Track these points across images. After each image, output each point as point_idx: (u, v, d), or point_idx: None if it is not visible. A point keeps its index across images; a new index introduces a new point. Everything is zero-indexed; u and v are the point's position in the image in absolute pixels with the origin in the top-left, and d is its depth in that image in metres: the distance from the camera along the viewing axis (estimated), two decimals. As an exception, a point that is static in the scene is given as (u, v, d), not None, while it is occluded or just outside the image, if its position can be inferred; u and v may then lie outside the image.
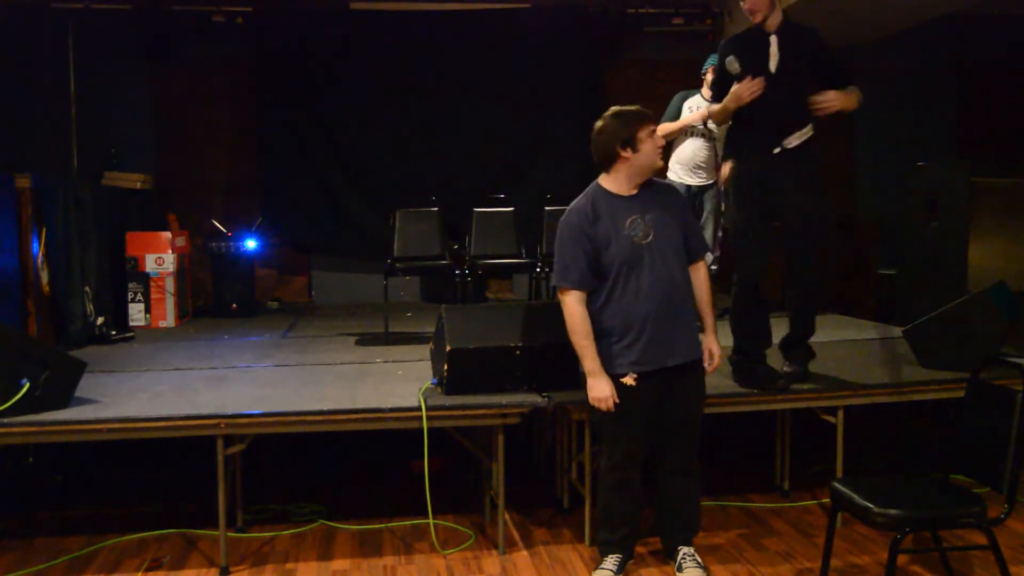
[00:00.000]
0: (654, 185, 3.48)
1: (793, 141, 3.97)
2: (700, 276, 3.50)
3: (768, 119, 3.95)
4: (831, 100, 3.91)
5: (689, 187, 6.16)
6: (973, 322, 4.21)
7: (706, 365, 3.48)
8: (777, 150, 3.97)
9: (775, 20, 3.95)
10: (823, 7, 7.24)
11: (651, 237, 3.33)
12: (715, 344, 3.50)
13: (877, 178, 8.86)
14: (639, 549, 3.69)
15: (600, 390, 3.34)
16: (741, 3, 4.00)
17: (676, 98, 6.16)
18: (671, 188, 3.66)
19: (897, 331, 4.96)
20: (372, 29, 8.06)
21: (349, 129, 8.08)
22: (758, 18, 3.94)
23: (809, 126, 4.00)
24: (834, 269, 4.34)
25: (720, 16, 8.30)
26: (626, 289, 3.31)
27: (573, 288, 3.34)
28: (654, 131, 3.39)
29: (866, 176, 9.01)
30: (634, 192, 3.40)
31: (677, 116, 6.13)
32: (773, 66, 3.93)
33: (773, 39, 3.94)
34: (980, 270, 6.03)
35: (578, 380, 3.97)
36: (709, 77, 6.07)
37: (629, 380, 3.33)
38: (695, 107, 6.15)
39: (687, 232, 3.46)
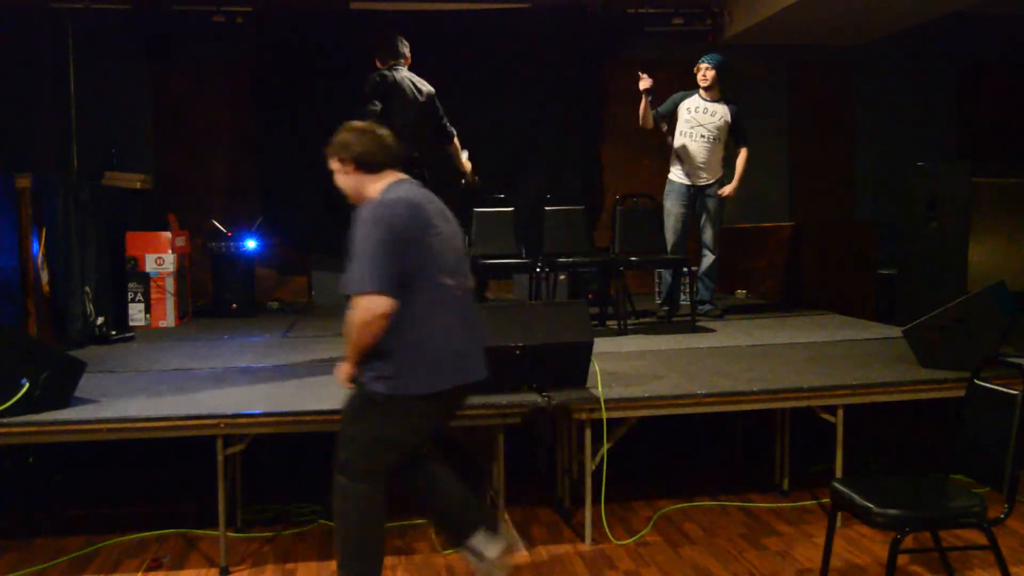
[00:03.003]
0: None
1: None
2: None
3: None
4: None
5: (689, 187, 6.17)
6: (973, 322, 4.21)
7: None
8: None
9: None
10: (824, 7, 7.26)
11: None
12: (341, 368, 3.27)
13: (877, 178, 8.87)
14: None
15: None
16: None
17: (676, 96, 6.17)
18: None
19: (897, 331, 4.96)
20: (372, 29, 8.05)
21: (349, 129, 8.07)
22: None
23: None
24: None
25: (720, 16, 8.31)
26: None
27: None
28: None
29: (866, 176, 9.01)
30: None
31: (670, 112, 6.17)
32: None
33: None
34: (980, 270, 6.03)
35: (578, 380, 3.99)
36: (702, 74, 6.12)
37: None
38: (693, 108, 6.15)
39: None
